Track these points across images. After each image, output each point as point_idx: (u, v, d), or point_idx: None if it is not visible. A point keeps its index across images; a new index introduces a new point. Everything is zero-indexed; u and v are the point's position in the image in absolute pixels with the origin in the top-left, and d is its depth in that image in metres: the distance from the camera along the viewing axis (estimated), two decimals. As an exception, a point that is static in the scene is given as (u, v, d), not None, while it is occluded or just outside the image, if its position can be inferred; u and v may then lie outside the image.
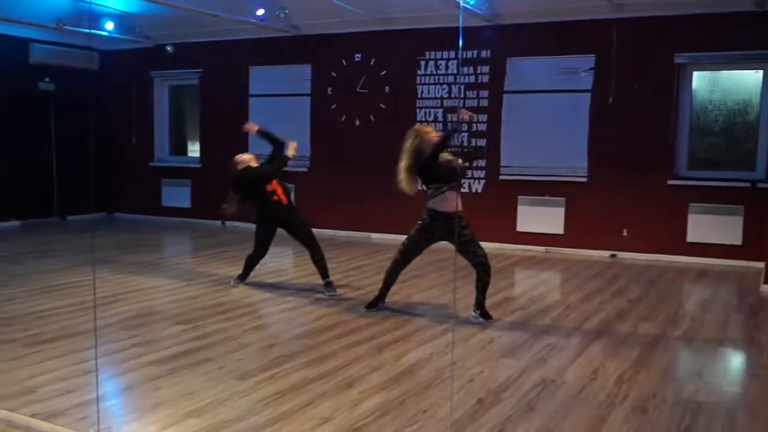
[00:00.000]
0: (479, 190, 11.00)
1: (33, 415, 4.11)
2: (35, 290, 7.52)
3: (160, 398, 4.46)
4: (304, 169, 12.09)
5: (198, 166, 13.42)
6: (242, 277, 7.89)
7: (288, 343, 5.74)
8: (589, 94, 10.25)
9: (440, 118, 11.22)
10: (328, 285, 7.49)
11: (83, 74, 13.90)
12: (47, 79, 13.35)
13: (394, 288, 6.98)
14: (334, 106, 12.03)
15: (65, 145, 13.76)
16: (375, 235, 11.64)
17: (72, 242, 11.01)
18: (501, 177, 10.88)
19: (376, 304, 6.85)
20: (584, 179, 10.37)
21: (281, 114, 12.15)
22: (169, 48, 13.01)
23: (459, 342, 5.70)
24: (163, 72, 13.77)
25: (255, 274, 8.18)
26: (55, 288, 7.62)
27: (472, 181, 11.00)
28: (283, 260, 9.56)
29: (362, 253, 10.19)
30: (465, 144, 10.89)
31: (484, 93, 10.91)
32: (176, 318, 6.48)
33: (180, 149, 14.26)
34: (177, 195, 13.61)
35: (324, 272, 7.57)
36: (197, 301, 7.18)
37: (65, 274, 8.32)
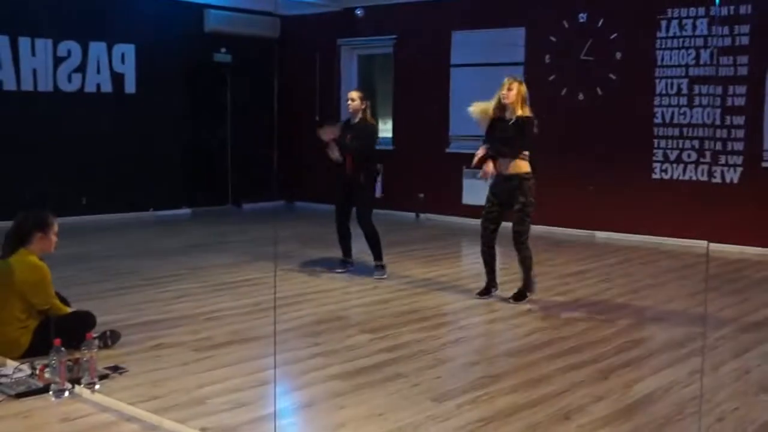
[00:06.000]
0: (734, 180, 10.47)
1: (203, 430, 4.31)
2: (206, 287, 7.94)
3: (344, 418, 4.56)
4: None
5: (390, 148, 13.66)
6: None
7: (494, 362, 5.73)
8: None
9: (684, 90, 10.77)
10: (378, 267, 8.56)
11: (263, 43, 14.54)
12: (223, 50, 14.07)
13: (622, 300, 6.75)
14: (553, 77, 11.84)
15: (242, 123, 14.47)
16: (600, 234, 11.36)
17: (248, 234, 11.59)
18: (766, 164, 10.31)
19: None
20: None
21: (487, 86, 11.96)
22: (359, 12, 13.33)
23: (707, 370, 5.45)
24: (351, 39, 14.13)
25: (455, 278, 8.24)
26: (228, 286, 8.02)
27: (725, 168, 10.48)
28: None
29: (584, 255, 10.00)
30: (716, 122, 10.44)
31: (743, 59, 10.37)
32: (363, 325, 6.63)
33: (369, 129, 14.57)
34: (365, 182, 13.96)
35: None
36: (387, 306, 7.31)
37: (239, 270, 8.75)
